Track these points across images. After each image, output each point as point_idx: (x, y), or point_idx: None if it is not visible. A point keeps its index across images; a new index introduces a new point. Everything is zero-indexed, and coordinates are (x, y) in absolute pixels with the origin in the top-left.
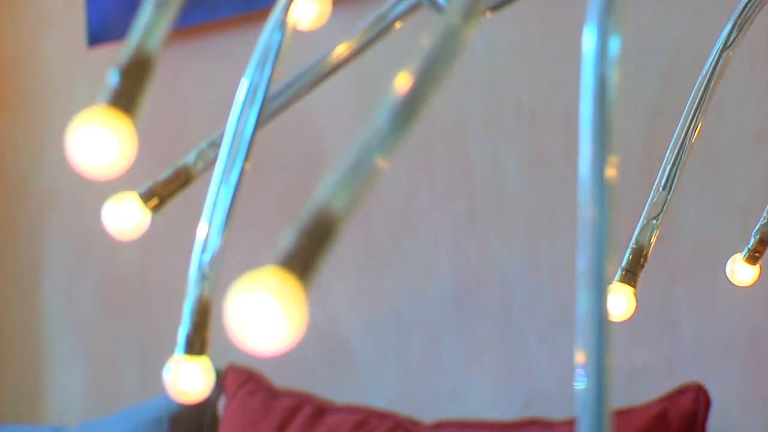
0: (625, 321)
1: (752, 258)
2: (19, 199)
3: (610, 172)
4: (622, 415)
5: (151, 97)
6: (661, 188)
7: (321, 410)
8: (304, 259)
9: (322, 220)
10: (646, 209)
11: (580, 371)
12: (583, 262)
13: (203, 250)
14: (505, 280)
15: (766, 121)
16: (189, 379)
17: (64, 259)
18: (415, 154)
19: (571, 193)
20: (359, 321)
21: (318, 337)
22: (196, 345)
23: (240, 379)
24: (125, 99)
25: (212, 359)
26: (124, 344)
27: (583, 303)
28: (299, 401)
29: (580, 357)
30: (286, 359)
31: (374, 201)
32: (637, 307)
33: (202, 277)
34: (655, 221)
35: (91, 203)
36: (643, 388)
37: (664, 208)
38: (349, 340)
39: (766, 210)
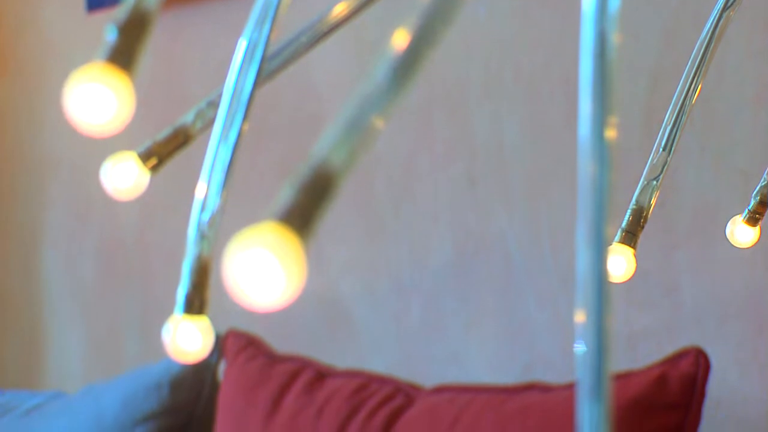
0: (625, 284)
1: (752, 219)
2: (19, 165)
3: (610, 132)
4: (622, 378)
5: (150, 58)
6: (661, 149)
7: (321, 375)
8: (302, 214)
9: (321, 176)
10: (646, 170)
11: (580, 337)
12: (583, 221)
13: (202, 210)
14: (505, 244)
15: (766, 84)
16: (188, 339)
17: (63, 225)
18: (414, 119)
19: (571, 158)
20: (359, 286)
21: (318, 303)
22: (195, 304)
23: (240, 343)
24: (123, 56)
25: (212, 323)
26: (124, 309)
27: (582, 262)
28: (299, 366)
29: (579, 317)
30: (286, 324)
31: (374, 166)
32: (636, 268)
33: (201, 236)
34: (655, 182)
35: (91, 168)
36: (642, 352)
37: (665, 169)
38: (349, 305)
39: (766, 171)
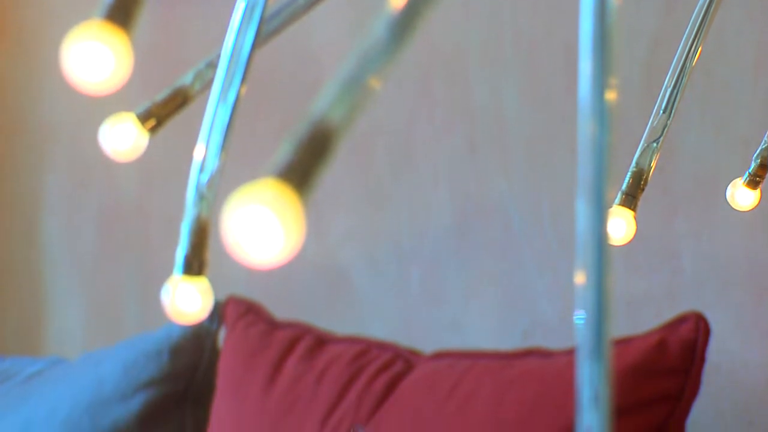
0: (624, 249)
1: (753, 183)
2: (18, 132)
3: (610, 93)
4: (622, 343)
5: (148, 19)
6: (661, 111)
7: (321, 341)
8: (301, 171)
9: (319, 133)
10: (646, 133)
11: (580, 305)
12: (583, 181)
13: (201, 171)
14: (505, 211)
15: (766, 49)
16: (187, 300)
17: (63, 192)
18: (414, 86)
19: (571, 125)
20: (359, 253)
21: (318, 270)
22: (194, 265)
23: (240, 310)
24: (121, 13)
25: (212, 289)
26: (123, 276)
27: (582, 223)
28: (299, 332)
29: (579, 278)
30: (286, 291)
31: (374, 134)
32: (636, 233)
33: (200, 197)
34: (655, 144)
35: (90, 135)
36: (642, 318)
37: (665, 131)
38: (348, 272)
39: (767, 134)
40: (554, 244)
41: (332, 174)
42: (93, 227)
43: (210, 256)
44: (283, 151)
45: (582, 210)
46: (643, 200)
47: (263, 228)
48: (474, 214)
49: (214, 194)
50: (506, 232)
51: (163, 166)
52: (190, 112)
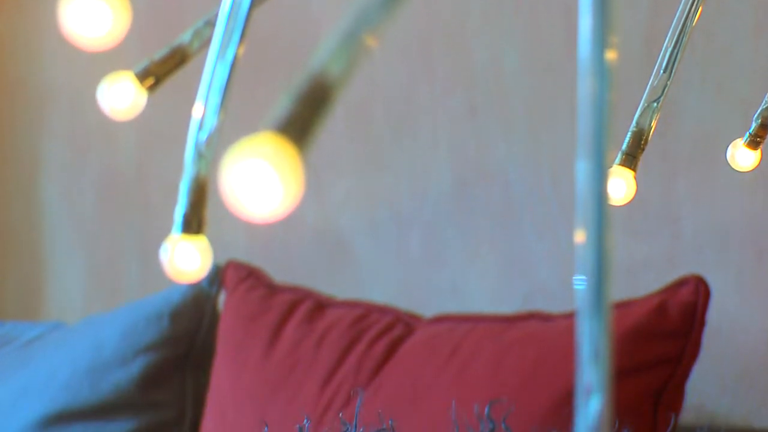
0: (624, 213)
1: (753, 143)
2: (17, 96)
3: (611, 53)
4: (622, 307)
5: None
6: (661, 71)
7: (321, 305)
8: (299, 125)
9: (318, 87)
10: (646, 93)
11: (580, 267)
12: (582, 138)
13: (199, 129)
14: (505, 174)
15: (766, 11)
16: (186, 259)
17: (62, 155)
18: (414, 49)
19: (572, 88)
20: (359, 218)
21: (318, 234)
22: (193, 224)
23: (240, 274)
24: None
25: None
26: (123, 240)
27: (582, 180)
28: (299, 296)
29: (579, 237)
30: (285, 256)
31: (373, 97)
32: (637, 197)
33: (199, 156)
34: (655, 104)
35: (90, 99)
36: (642, 282)
37: (665, 91)
38: (348, 236)
39: (767, 95)
40: (554, 207)
41: (332, 138)
42: (93, 191)
43: (210, 220)
44: (282, 105)
45: (582, 168)
46: (642, 165)
47: (262, 181)
48: (474, 177)
49: (213, 153)
50: (506, 196)
51: (163, 129)
52: (189, 73)
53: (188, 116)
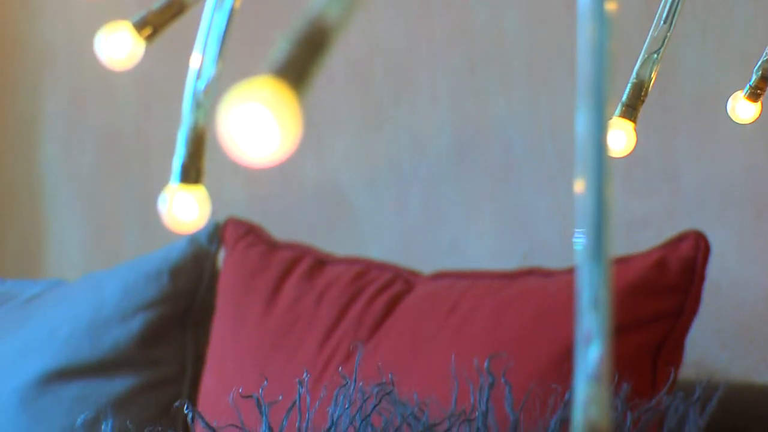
0: (625, 168)
1: (754, 95)
2: (15, 56)
3: (611, 3)
4: (621, 262)
5: None
6: (662, 22)
7: (321, 262)
8: (298, 68)
9: (316, 30)
10: (646, 44)
11: (580, 215)
12: (582, 86)
13: (198, 78)
14: (505, 131)
15: None
16: (185, 209)
17: (62, 115)
18: (413, 6)
19: (572, 45)
20: (359, 175)
21: (317, 192)
22: (191, 174)
23: (240, 231)
24: None
25: (212, 213)
26: (123, 198)
27: (582, 128)
28: (299, 253)
29: (579, 186)
30: (285, 213)
31: (373, 55)
32: (637, 153)
33: (197, 105)
34: (655, 56)
35: (88, 59)
36: (642, 238)
37: (665, 42)
38: (348, 193)
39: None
40: (554, 164)
41: (332, 95)
42: (92, 149)
43: (210, 177)
44: (279, 49)
45: (582, 117)
46: (642, 121)
47: (260, 125)
48: (474, 134)
49: (211, 102)
50: (506, 153)
51: (163, 87)
52: (188, 25)
53: (188, 72)
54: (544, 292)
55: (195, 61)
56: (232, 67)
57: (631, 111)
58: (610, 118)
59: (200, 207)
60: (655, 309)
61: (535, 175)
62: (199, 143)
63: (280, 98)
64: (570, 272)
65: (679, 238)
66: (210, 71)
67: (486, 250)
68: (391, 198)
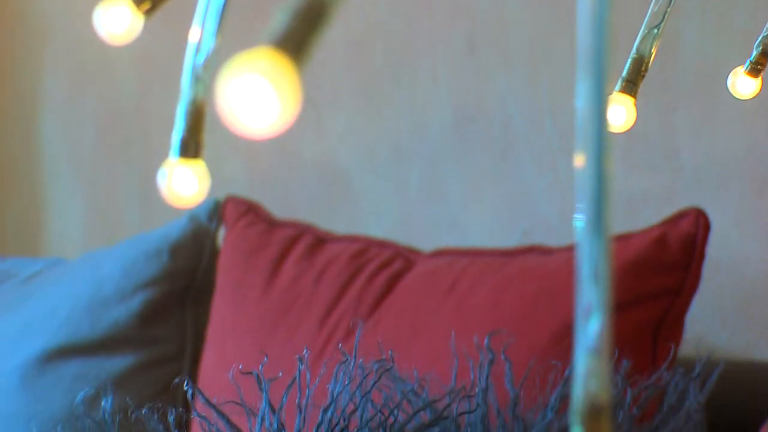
0: (624, 145)
1: (754, 71)
2: (15, 33)
3: None
4: (621, 239)
5: None
6: None
7: (320, 240)
8: (297, 40)
9: (315, 1)
10: (647, 18)
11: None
12: (582, 58)
13: (197, 52)
14: (505, 109)
15: None
16: (184, 183)
17: (61, 92)
18: None
19: (572, 22)
20: (358, 153)
21: (317, 170)
22: (191, 148)
23: (239, 209)
24: None
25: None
26: (123, 176)
27: (582, 101)
28: (299, 231)
29: (579, 160)
30: (285, 192)
31: (373, 32)
32: (637, 130)
33: (196, 79)
34: (656, 31)
35: (88, 36)
36: (642, 215)
37: (666, 17)
38: (348, 171)
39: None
40: (554, 142)
41: (332, 73)
42: (92, 127)
43: (210, 156)
44: (278, 20)
45: (582, 90)
46: (642, 97)
47: (259, 97)
48: (474, 112)
49: (211, 77)
50: (506, 131)
51: (163, 65)
52: (187, 1)
53: (187, 47)
54: (544, 269)
55: (194, 35)
56: (231, 41)
57: (631, 86)
58: (611, 93)
59: (199, 181)
60: (655, 286)
61: (535, 152)
62: (198, 118)
63: (279, 69)
64: (570, 249)
65: (680, 216)
66: (209, 45)
67: (486, 227)
68: (391, 176)
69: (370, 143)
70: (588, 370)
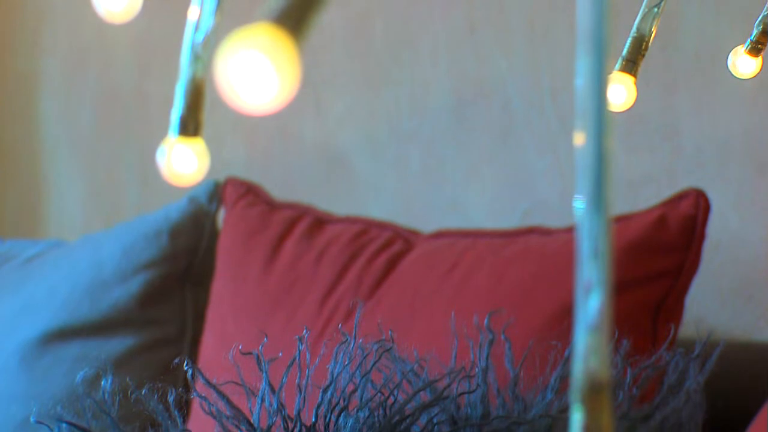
0: (625, 127)
1: (755, 50)
2: (14, 13)
3: None
4: (622, 220)
5: None
6: None
7: (320, 221)
8: (295, 15)
9: None
10: None
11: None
12: (582, 34)
13: (196, 30)
14: (505, 91)
15: None
16: (183, 161)
17: (60, 73)
18: None
19: (572, 1)
20: (358, 134)
21: (317, 151)
22: (190, 126)
23: (239, 191)
24: None
25: (211, 173)
26: (122, 158)
27: (582, 79)
28: (299, 212)
29: (579, 139)
30: (285, 173)
31: (372, 13)
32: (637, 111)
33: (195, 57)
34: (656, 9)
35: (87, 16)
36: (642, 197)
37: None
38: (348, 153)
39: None
40: (554, 123)
41: (331, 55)
42: (91, 109)
43: (210, 138)
44: None
45: (582, 67)
46: (643, 78)
47: (257, 73)
48: (473, 94)
49: (210, 55)
50: (506, 112)
51: (162, 46)
52: None
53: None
54: (544, 250)
55: (193, 13)
56: (230, 19)
57: (631, 65)
58: (611, 72)
59: (199, 160)
60: (655, 267)
61: (535, 134)
62: (197, 96)
63: (278, 45)
64: (570, 231)
65: (680, 196)
66: (208, 23)
67: (486, 209)
68: (390, 157)
69: (370, 125)
70: (588, 347)
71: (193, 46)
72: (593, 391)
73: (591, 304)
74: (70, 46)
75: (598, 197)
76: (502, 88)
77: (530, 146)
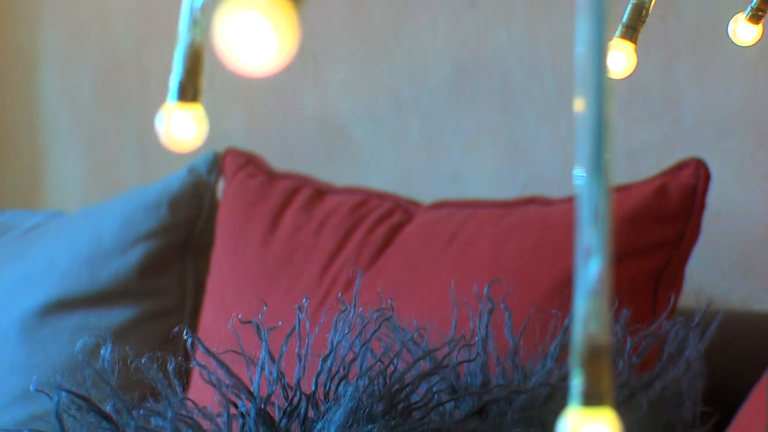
0: (625, 97)
1: (755, 17)
2: None
3: None
4: (622, 190)
5: None
6: None
7: (320, 192)
8: None
9: None
10: None
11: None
12: (582, 1)
13: None
14: (505, 62)
15: None
16: (182, 127)
17: (60, 46)
18: None
19: None
20: (358, 106)
21: (317, 123)
22: (188, 92)
23: (239, 162)
24: None
25: (211, 144)
26: (123, 132)
27: (581, 46)
28: (298, 183)
29: (578, 105)
30: (284, 144)
31: None
32: (637, 79)
33: (194, 22)
34: None
35: None
36: (643, 167)
37: None
38: (348, 124)
39: None
40: (554, 94)
41: (331, 26)
42: (91, 80)
43: (209, 108)
44: None
45: (581, 35)
46: (643, 47)
47: (256, 34)
48: (474, 65)
49: (209, 19)
50: (506, 84)
51: (162, 18)
52: None
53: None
54: (544, 220)
55: None
56: None
57: (631, 32)
58: (611, 38)
59: (197, 125)
60: (655, 237)
61: (535, 105)
62: (196, 61)
63: (275, 6)
64: (570, 201)
65: (680, 166)
66: None
67: (486, 180)
68: (390, 128)
69: (369, 96)
70: (588, 311)
71: (191, 11)
72: (593, 356)
73: (591, 269)
74: (69, 17)
75: (598, 161)
76: (502, 59)
77: (530, 117)
